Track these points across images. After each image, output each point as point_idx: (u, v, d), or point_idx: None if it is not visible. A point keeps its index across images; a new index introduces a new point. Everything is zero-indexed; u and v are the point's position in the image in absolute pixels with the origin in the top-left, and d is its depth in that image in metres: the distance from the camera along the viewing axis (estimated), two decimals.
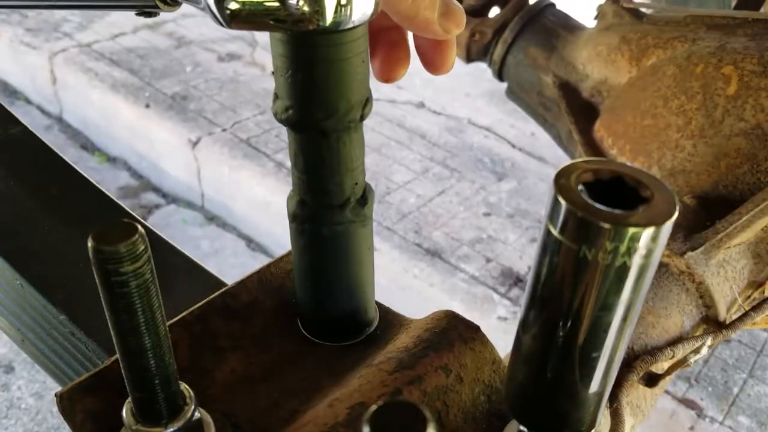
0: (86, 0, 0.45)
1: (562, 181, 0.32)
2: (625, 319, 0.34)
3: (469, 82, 3.47)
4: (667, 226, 0.30)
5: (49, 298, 0.59)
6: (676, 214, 0.31)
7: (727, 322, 0.80)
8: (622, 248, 0.30)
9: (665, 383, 0.72)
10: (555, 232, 0.32)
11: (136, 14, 0.49)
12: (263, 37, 3.71)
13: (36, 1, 0.46)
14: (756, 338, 2.18)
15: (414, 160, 2.80)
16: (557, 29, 1.31)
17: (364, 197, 0.47)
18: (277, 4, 0.37)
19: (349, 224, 0.47)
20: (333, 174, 0.45)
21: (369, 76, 0.45)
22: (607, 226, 0.30)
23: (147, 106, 2.99)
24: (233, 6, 0.37)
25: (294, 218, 0.48)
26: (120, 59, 3.34)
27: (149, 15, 0.48)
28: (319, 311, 0.51)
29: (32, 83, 3.45)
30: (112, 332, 0.36)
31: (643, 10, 1.24)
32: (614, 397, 0.63)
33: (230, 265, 2.56)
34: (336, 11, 0.37)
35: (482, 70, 1.51)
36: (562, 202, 0.31)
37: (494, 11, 1.43)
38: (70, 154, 3.10)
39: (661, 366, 0.72)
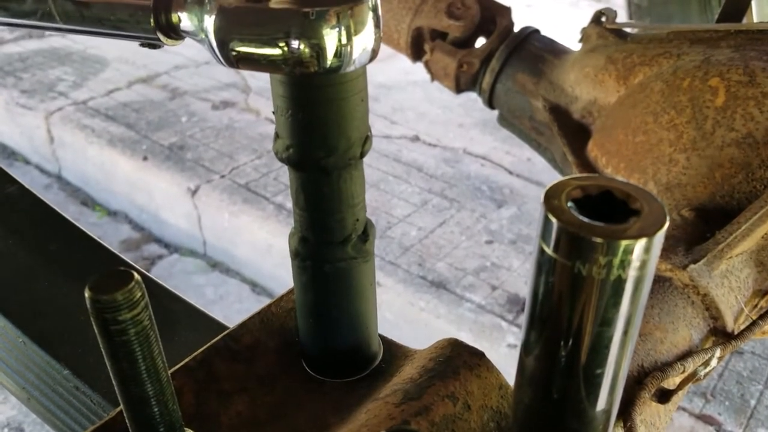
0: (88, 26, 0.46)
1: (551, 199, 0.32)
2: (626, 333, 0.33)
3: (462, 112, 3.49)
4: (659, 237, 0.30)
5: (53, 354, 0.59)
6: (667, 224, 0.31)
7: (736, 333, 0.80)
8: (616, 261, 0.30)
9: (678, 399, 0.72)
10: (548, 250, 0.32)
11: (140, 45, 0.50)
12: (256, 83, 3.75)
13: (35, 21, 0.47)
14: None
15: (413, 193, 2.81)
16: (543, 54, 1.32)
17: (366, 233, 0.48)
18: (278, 48, 0.37)
19: (351, 260, 0.47)
20: (334, 211, 0.45)
21: (368, 113, 0.45)
22: (599, 240, 0.30)
23: (145, 158, 3.01)
24: (238, 48, 0.38)
25: (296, 255, 0.48)
26: (116, 114, 3.37)
27: (153, 47, 0.49)
28: (322, 348, 0.51)
29: (30, 143, 3.48)
30: (114, 382, 0.36)
31: (627, 29, 1.25)
32: (628, 416, 0.63)
33: (236, 310, 2.56)
34: (336, 54, 0.38)
35: (474, 100, 1.53)
36: (553, 219, 0.31)
37: (480, 42, 1.44)
38: (70, 210, 3.12)
39: (672, 381, 0.71)
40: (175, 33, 0.44)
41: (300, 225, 0.47)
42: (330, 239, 0.46)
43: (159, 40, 0.45)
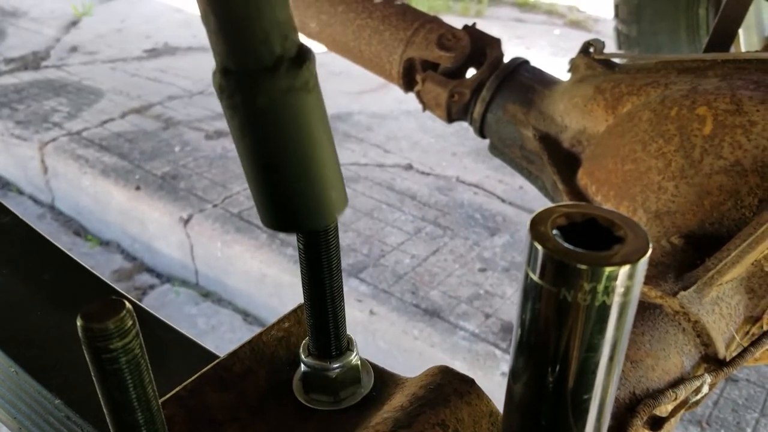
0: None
1: (537, 226, 0.33)
2: (612, 358, 0.34)
3: (455, 141, 3.52)
4: (642, 263, 0.31)
5: (44, 384, 0.59)
6: (650, 251, 0.31)
7: (728, 360, 0.80)
8: (600, 288, 0.31)
9: (671, 426, 0.72)
10: (534, 276, 0.32)
11: None
12: None
13: None
14: (765, 376, 2.15)
15: (406, 221, 2.82)
16: (533, 84, 1.34)
17: (301, 56, 0.40)
18: None
19: (288, 91, 0.40)
20: (254, 27, 0.38)
21: None
22: (583, 267, 0.31)
23: (138, 188, 3.02)
24: None
25: (221, 91, 0.41)
26: (109, 144, 3.38)
27: None
28: (277, 208, 0.45)
29: (24, 174, 3.49)
30: (105, 410, 0.36)
31: (615, 60, 1.27)
32: None
33: (228, 340, 2.54)
34: None
35: (467, 129, 1.55)
36: (539, 247, 0.32)
37: (471, 72, 1.46)
38: (63, 240, 3.11)
39: (664, 408, 0.71)
40: None
41: (218, 54, 0.40)
42: (256, 65, 0.39)
43: None
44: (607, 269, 0.31)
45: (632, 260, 0.31)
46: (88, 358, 0.34)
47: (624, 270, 0.31)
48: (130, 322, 0.34)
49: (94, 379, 0.35)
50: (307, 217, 0.45)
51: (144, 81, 4.21)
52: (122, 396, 0.35)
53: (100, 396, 0.36)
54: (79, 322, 0.33)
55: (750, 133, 0.92)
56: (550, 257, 0.31)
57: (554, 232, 0.33)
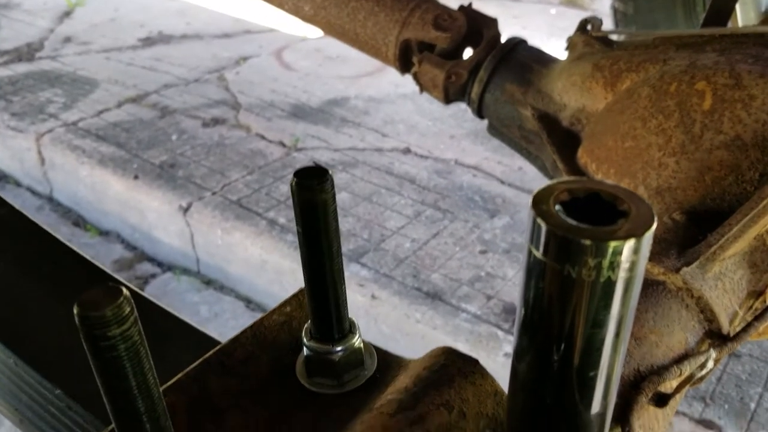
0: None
1: (539, 203, 0.32)
2: (617, 334, 0.33)
3: (452, 123, 3.50)
4: (648, 237, 0.30)
5: (44, 374, 0.58)
6: (655, 224, 0.31)
7: (731, 335, 0.80)
8: (605, 263, 0.30)
9: (676, 402, 0.72)
10: (538, 254, 0.32)
11: None
12: (246, 99, 3.76)
13: None
14: (767, 351, 2.16)
15: (405, 205, 2.81)
16: (531, 64, 1.33)
17: None
18: None
19: None
20: None
21: None
22: (587, 242, 0.30)
23: (136, 177, 3.01)
24: None
25: None
26: (106, 134, 3.37)
27: None
28: None
29: (21, 166, 3.47)
30: (105, 399, 0.36)
31: (613, 37, 1.26)
32: (626, 422, 0.62)
33: (231, 327, 2.54)
34: None
35: (464, 111, 1.54)
36: (542, 223, 0.31)
37: (468, 53, 1.45)
38: (62, 231, 3.11)
39: (669, 385, 0.71)
40: None
41: None
42: None
43: None
44: (612, 244, 0.30)
45: (637, 234, 0.30)
46: (86, 347, 0.34)
47: (629, 244, 0.30)
48: (128, 309, 0.34)
49: (93, 367, 0.35)
50: None
51: (139, 70, 4.18)
52: (121, 384, 0.35)
53: (99, 384, 0.35)
54: (75, 310, 0.33)
55: (750, 108, 0.92)
56: (554, 233, 0.31)
57: (557, 207, 0.32)
